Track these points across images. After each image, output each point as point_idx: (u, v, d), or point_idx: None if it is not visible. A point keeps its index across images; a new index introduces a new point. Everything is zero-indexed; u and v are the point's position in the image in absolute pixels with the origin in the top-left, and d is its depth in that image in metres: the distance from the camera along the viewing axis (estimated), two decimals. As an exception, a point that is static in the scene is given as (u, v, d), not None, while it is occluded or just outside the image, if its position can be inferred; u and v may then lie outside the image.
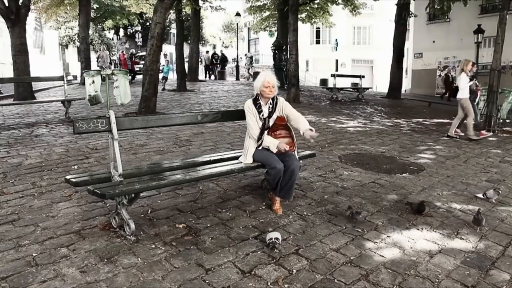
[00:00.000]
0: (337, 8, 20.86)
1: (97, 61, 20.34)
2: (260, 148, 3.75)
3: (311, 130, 3.58)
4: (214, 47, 44.51)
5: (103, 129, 3.16)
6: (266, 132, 3.74)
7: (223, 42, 56.38)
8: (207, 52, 27.63)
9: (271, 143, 3.67)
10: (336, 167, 5.38)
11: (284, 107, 3.80)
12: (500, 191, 4.35)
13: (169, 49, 36.49)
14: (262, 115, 3.72)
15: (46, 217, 3.41)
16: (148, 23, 33.61)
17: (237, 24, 28.67)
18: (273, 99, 3.77)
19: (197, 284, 2.49)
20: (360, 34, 34.42)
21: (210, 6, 21.10)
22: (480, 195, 4.39)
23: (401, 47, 16.91)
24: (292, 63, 12.48)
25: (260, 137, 3.73)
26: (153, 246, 2.94)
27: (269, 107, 3.75)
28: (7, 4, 10.30)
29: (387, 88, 17.75)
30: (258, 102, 3.75)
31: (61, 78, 8.89)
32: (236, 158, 4.00)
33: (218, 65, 26.14)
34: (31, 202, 3.72)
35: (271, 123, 3.76)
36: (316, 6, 19.80)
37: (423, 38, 21.67)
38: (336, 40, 33.69)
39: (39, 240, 2.97)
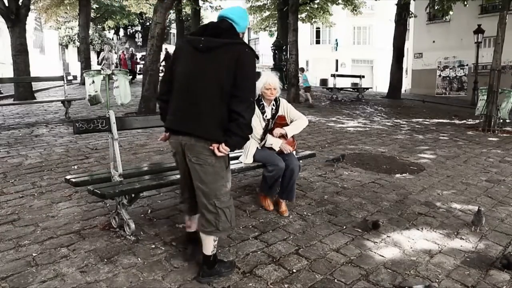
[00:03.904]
0: (337, 8, 20.86)
1: (100, 63, 17.18)
2: (261, 147, 3.75)
3: (285, 136, 3.70)
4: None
5: (103, 129, 3.17)
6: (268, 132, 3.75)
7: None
8: None
9: (275, 141, 3.67)
10: (336, 167, 5.38)
11: (287, 109, 3.81)
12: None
13: (169, 49, 36.45)
14: (266, 116, 3.71)
15: (46, 217, 3.40)
16: (148, 23, 33.57)
17: (237, 24, 28.62)
18: (275, 100, 3.77)
19: (197, 284, 2.49)
20: (360, 34, 34.37)
21: (210, 6, 21.12)
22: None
23: (401, 47, 16.90)
24: (292, 63, 12.47)
25: (263, 137, 3.73)
26: (153, 246, 2.94)
27: (272, 108, 3.74)
28: (7, 4, 10.29)
29: (387, 88, 17.75)
30: (261, 103, 3.73)
31: (61, 78, 8.89)
32: (236, 158, 3.98)
33: None
34: (31, 202, 3.72)
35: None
36: (316, 6, 19.81)
37: (423, 38, 21.65)
38: (336, 40, 33.66)
39: (39, 240, 2.97)
